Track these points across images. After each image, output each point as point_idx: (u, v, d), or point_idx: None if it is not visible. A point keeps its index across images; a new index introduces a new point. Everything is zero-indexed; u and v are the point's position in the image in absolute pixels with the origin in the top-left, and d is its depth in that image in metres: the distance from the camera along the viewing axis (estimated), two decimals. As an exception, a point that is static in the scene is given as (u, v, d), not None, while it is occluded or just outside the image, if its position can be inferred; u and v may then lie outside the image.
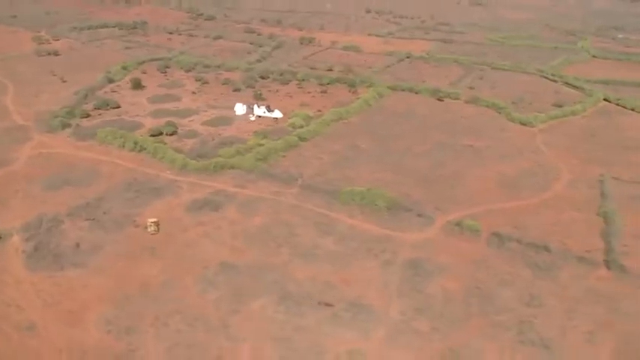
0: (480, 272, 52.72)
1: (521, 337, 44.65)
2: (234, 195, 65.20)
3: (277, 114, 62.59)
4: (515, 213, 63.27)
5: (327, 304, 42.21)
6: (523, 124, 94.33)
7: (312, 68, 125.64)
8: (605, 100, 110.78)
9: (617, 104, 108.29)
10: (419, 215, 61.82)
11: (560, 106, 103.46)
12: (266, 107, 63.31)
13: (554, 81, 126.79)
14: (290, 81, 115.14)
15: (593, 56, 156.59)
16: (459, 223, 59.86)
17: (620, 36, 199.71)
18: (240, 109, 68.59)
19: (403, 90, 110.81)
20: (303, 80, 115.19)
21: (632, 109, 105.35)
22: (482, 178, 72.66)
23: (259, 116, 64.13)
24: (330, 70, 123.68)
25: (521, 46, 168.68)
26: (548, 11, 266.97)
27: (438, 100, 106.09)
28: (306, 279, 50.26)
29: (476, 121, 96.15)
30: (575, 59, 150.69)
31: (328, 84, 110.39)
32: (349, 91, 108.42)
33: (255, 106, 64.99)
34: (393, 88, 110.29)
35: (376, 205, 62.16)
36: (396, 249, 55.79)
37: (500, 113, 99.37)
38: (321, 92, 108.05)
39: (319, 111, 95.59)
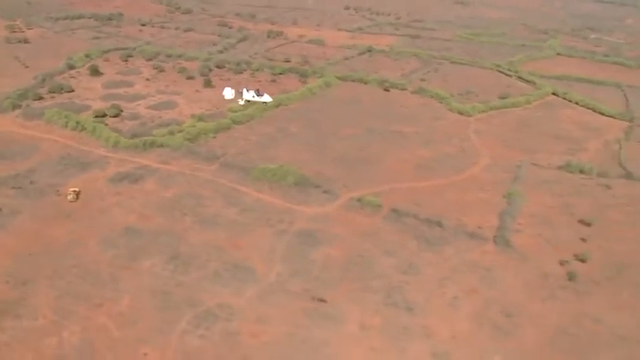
0: (367, 243, 55.42)
1: (387, 300, 47.21)
2: (156, 170, 68.13)
3: (266, 98, 64.53)
4: (422, 192, 66.22)
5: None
6: (461, 113, 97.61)
7: (269, 59, 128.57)
8: (553, 94, 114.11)
9: (564, 98, 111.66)
10: (325, 192, 64.57)
11: (505, 98, 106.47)
12: (255, 92, 65.19)
13: (509, 75, 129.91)
14: (244, 70, 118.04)
15: (558, 54, 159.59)
16: (361, 199, 62.60)
17: (592, 36, 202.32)
18: (229, 93, 70.79)
19: (353, 80, 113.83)
20: (257, 70, 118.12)
21: (577, 103, 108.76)
22: (400, 161, 75.57)
23: (248, 100, 66.06)
24: (287, 61, 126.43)
25: (489, 43, 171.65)
26: (530, 12, 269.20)
27: (385, 90, 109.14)
28: (199, 243, 53.10)
29: (414, 110, 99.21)
30: (538, 56, 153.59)
31: (280, 74, 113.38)
32: (299, 81, 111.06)
33: (244, 90, 67.00)
34: (342, 79, 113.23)
35: (285, 181, 64.75)
36: (293, 220, 58.54)
37: (441, 103, 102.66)
38: (271, 81, 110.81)
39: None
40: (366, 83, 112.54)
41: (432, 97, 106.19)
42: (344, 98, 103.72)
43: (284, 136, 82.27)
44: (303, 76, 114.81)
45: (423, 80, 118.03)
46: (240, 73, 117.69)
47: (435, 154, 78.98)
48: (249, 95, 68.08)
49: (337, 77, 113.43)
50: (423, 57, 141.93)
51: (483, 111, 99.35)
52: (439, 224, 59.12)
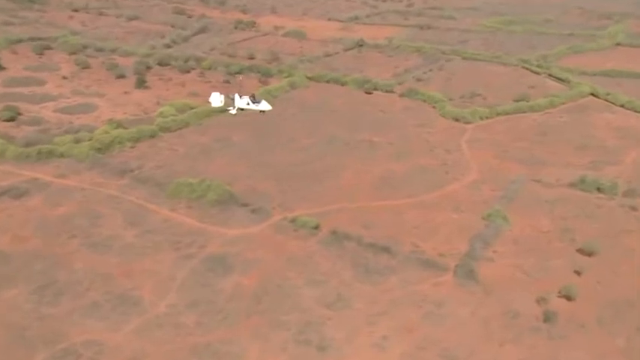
0: (291, 271, 59.49)
1: (299, 337, 50.54)
2: (48, 184, 74.06)
3: (264, 106, 66.70)
4: (378, 212, 70.49)
5: None
6: (456, 119, 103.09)
7: (229, 56, 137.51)
8: (592, 94, 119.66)
9: (606, 100, 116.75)
10: (253, 211, 69.60)
11: (523, 101, 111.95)
12: (250, 97, 67.01)
13: (537, 73, 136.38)
14: (193, 69, 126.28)
15: (618, 44, 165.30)
16: (295, 219, 67.10)
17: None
18: (216, 99, 72.87)
19: (327, 81, 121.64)
20: (209, 69, 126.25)
21: (622, 106, 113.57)
22: (361, 175, 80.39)
23: (242, 109, 67.92)
24: (252, 58, 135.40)
25: (522, 33, 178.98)
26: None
27: (366, 92, 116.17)
28: (83, 269, 57.68)
29: (396, 116, 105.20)
30: (588, 47, 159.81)
31: (237, 73, 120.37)
32: (259, 82, 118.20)
33: (237, 96, 69.19)
34: (314, 79, 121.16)
35: (206, 198, 70.15)
36: (206, 243, 63.31)
37: (435, 108, 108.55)
38: (224, 82, 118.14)
39: (209, 102, 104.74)
40: (343, 84, 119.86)
41: (424, 100, 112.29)
42: (310, 102, 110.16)
43: (222, 147, 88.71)
44: (266, 75, 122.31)
45: (419, 80, 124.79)
46: (187, 72, 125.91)
47: (407, 167, 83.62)
48: (242, 102, 69.39)
49: (308, 77, 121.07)
50: (428, 52, 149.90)
51: (487, 117, 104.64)
52: (387, 250, 63.11)
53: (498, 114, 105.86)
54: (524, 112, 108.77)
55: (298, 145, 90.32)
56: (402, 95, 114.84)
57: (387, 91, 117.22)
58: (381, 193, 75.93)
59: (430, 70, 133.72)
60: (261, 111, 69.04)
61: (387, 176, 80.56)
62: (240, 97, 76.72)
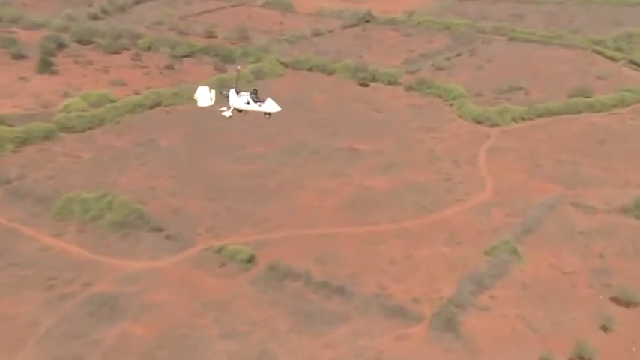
0: (205, 317, 61.70)
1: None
2: None
3: (270, 106, 64.15)
4: (343, 242, 73.14)
5: None
6: (478, 122, 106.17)
7: (181, 33, 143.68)
8: None
9: None
10: (168, 237, 72.69)
11: (581, 97, 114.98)
12: (251, 95, 64.19)
13: (613, 59, 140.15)
14: (125, 49, 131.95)
15: None
16: (222, 249, 70.19)
17: None
18: (204, 96, 70.78)
19: (310, 69, 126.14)
20: (149, 49, 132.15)
21: None
22: (327, 194, 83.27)
23: (239, 109, 67.03)
24: (212, 36, 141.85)
25: (605, 4, 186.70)
26: None
27: (361, 84, 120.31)
28: None
29: (395, 116, 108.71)
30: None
31: (185, 56, 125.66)
32: (215, 68, 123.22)
33: (232, 92, 66.62)
34: (291, 66, 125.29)
35: (105, 220, 73.82)
36: (93, 280, 66.20)
37: (452, 106, 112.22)
38: (167, 67, 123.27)
39: (137, 93, 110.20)
40: (331, 73, 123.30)
41: (438, 95, 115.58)
42: (281, 98, 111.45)
43: (143, 153, 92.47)
44: (226, 60, 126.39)
45: (439, 69, 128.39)
46: (119, 52, 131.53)
47: (393, 184, 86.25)
48: (240, 101, 66.43)
49: (282, 63, 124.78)
50: (460, 30, 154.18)
51: (523, 118, 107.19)
52: (342, 292, 65.16)
53: (540, 115, 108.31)
54: (580, 111, 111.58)
55: (247, 153, 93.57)
56: (408, 88, 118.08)
57: (389, 83, 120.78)
58: (352, 218, 78.36)
59: (458, 56, 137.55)
60: (265, 113, 69.69)
61: (362, 196, 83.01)
62: (238, 93, 77.26)
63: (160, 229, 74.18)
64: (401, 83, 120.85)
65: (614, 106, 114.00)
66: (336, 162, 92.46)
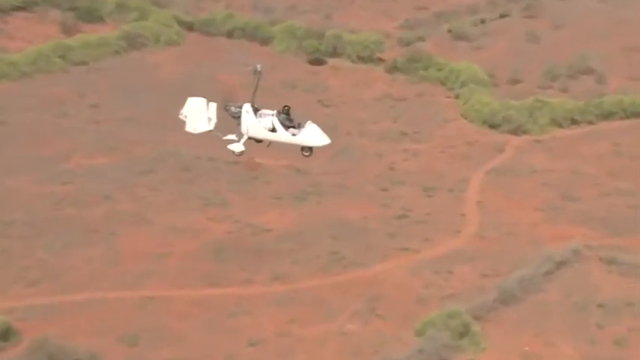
0: None
1: None
2: None
3: (313, 136, 41.95)
4: (181, 309, 58.28)
5: None
6: (491, 125, 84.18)
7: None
8: None
9: None
10: None
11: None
12: (279, 115, 40.95)
13: None
14: None
15: None
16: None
17: None
18: (196, 116, 44.18)
19: (228, 35, 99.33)
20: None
21: None
22: (186, 235, 65.52)
23: (257, 140, 43.85)
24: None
25: None
26: None
27: (312, 62, 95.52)
28: None
29: (348, 113, 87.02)
30: None
31: (15, 9, 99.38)
32: (63, 29, 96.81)
33: (246, 109, 42.05)
34: (198, 28, 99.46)
35: None
36: None
37: (458, 98, 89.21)
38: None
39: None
40: (265, 42, 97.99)
41: (440, 81, 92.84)
42: (167, 79, 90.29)
43: None
44: (89, 18, 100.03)
45: (460, 39, 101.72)
46: None
47: (305, 222, 69.16)
48: (258, 126, 41.41)
49: (181, 23, 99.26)
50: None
51: (575, 119, 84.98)
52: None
53: (607, 115, 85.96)
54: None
55: (70, 167, 74.46)
56: (391, 69, 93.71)
57: (361, 60, 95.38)
58: (214, 273, 62.15)
59: (503, 17, 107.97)
60: (304, 148, 43.19)
61: (243, 239, 65.19)
62: (256, 112, 45.70)
63: None
64: (382, 60, 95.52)
65: None
66: (217, 184, 73.36)
